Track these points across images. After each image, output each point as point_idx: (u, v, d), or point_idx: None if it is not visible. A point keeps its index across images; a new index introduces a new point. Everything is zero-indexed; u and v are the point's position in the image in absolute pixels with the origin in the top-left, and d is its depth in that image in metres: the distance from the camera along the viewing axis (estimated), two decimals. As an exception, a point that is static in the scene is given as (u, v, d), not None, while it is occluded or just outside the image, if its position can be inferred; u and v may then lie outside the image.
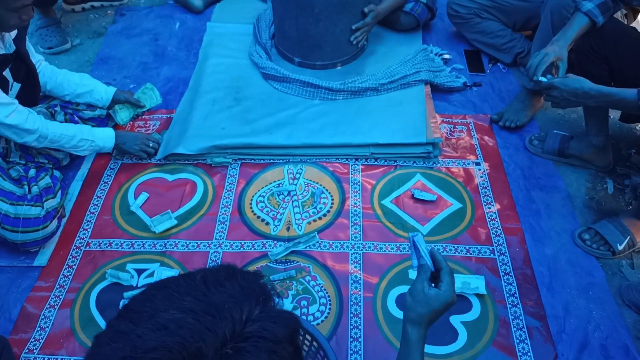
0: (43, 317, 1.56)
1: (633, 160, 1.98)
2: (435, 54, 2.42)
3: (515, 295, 1.57)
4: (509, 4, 2.28)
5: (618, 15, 1.85)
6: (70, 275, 1.66)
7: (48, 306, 1.58)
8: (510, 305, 1.55)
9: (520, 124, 2.08)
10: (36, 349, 1.49)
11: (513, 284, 1.60)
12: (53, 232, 1.70)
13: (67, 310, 1.58)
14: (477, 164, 1.97)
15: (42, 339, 1.51)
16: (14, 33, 1.65)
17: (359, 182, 1.91)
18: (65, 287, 1.64)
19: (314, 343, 1.24)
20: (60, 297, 1.61)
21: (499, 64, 2.42)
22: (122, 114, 2.02)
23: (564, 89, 1.56)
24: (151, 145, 1.99)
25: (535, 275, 1.61)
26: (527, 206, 1.82)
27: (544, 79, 1.61)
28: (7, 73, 1.65)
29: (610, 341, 1.48)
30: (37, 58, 1.88)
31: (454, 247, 1.70)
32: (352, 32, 2.26)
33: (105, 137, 1.86)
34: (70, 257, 1.71)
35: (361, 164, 1.98)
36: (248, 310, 0.56)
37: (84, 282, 1.64)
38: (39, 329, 1.53)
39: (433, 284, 0.99)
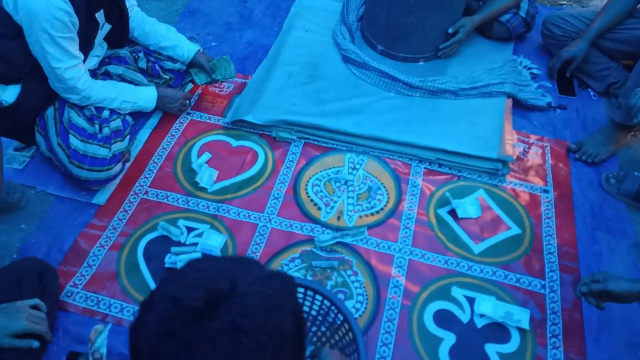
0: (92, 254, 1.62)
1: None
2: (524, 67, 2.30)
3: (558, 337, 1.51)
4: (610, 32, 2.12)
5: None
6: (124, 219, 1.72)
7: (99, 245, 1.64)
8: (550, 347, 1.48)
9: (598, 160, 1.96)
10: (81, 284, 1.55)
11: (558, 325, 1.53)
12: (116, 175, 1.75)
13: (116, 252, 1.63)
14: (546, 191, 1.88)
15: (87, 275, 1.57)
16: (113, -26, 1.68)
17: (418, 185, 1.87)
18: (117, 229, 1.69)
19: (349, 334, 1.23)
20: (112, 238, 1.66)
21: (589, 89, 2.28)
22: (201, 77, 2.04)
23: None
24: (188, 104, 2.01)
25: (584, 321, 1.54)
26: (590, 246, 1.73)
27: None
28: (99, 15, 1.68)
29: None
30: (130, 2, 1.91)
31: (504, 273, 1.64)
32: (439, 50, 2.19)
33: (147, 98, 1.87)
34: (128, 201, 1.76)
35: (424, 167, 1.93)
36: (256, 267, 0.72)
37: (136, 229, 1.69)
38: (86, 265, 1.60)
39: None
